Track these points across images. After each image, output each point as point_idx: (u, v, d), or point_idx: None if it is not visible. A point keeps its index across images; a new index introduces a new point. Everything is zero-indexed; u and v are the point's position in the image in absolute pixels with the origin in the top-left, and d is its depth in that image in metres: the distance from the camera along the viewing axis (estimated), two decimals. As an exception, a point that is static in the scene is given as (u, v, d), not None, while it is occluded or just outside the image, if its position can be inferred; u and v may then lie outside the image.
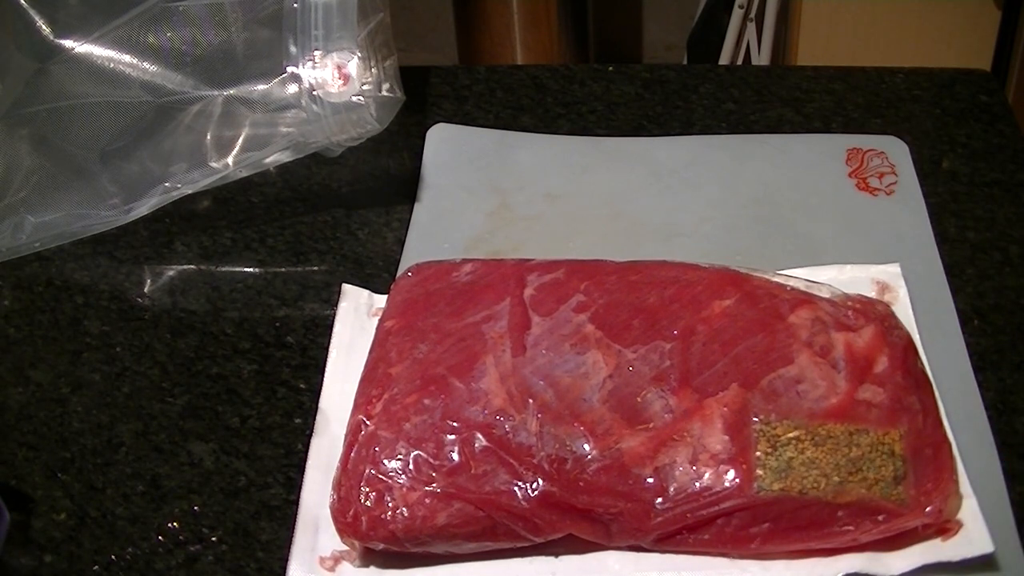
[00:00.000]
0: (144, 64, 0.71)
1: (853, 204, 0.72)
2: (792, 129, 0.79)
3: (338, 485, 0.53)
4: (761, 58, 1.66)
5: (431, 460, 0.52)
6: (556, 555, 0.53)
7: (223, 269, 0.71)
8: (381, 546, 0.52)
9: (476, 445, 0.52)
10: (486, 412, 0.53)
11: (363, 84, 0.68)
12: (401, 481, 0.52)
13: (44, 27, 0.72)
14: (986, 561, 0.50)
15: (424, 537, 0.51)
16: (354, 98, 0.68)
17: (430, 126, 0.80)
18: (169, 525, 0.57)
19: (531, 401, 0.53)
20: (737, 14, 1.65)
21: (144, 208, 0.71)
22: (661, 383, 0.53)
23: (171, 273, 0.71)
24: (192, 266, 0.72)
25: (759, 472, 0.50)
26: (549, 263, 0.61)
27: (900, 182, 0.73)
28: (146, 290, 0.70)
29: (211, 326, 0.67)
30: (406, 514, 0.51)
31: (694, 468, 0.51)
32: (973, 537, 0.50)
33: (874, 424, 0.52)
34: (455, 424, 0.53)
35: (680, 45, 1.92)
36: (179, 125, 0.71)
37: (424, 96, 0.84)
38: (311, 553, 0.53)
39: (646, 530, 0.51)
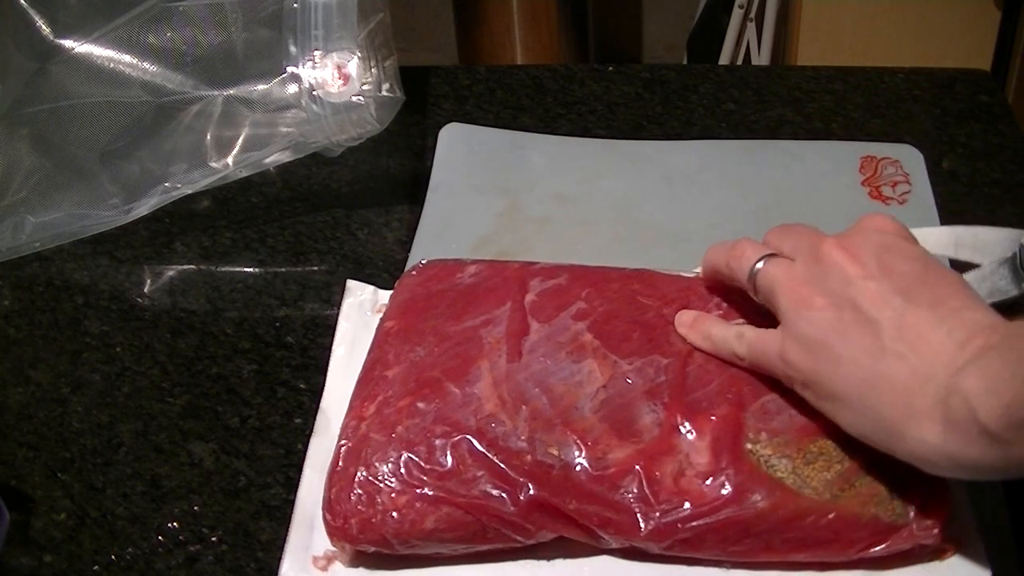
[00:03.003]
0: (144, 64, 0.71)
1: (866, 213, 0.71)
2: (792, 129, 0.79)
3: (329, 487, 0.53)
4: (761, 58, 1.66)
5: (421, 464, 0.52)
6: (548, 559, 0.52)
7: (223, 269, 0.71)
8: (372, 549, 0.52)
9: (466, 449, 0.52)
10: (478, 417, 0.53)
11: (363, 84, 0.68)
12: (391, 484, 0.51)
13: (44, 27, 0.72)
14: None
15: (413, 540, 0.51)
16: (354, 98, 0.68)
17: (430, 126, 0.80)
18: (169, 525, 0.57)
19: (523, 407, 0.53)
20: (737, 14, 1.65)
21: (144, 208, 0.71)
22: (654, 397, 0.53)
23: (171, 273, 0.71)
24: (192, 266, 0.72)
25: (750, 487, 0.50)
26: (553, 268, 0.61)
27: (913, 191, 0.72)
28: (146, 290, 0.70)
29: (211, 326, 0.67)
30: (396, 517, 0.51)
31: (683, 482, 0.51)
32: (971, 560, 0.50)
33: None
34: (446, 428, 0.53)
35: (680, 45, 1.92)
36: (179, 125, 0.71)
37: (424, 96, 0.84)
38: (305, 552, 0.53)
39: (636, 540, 0.51)
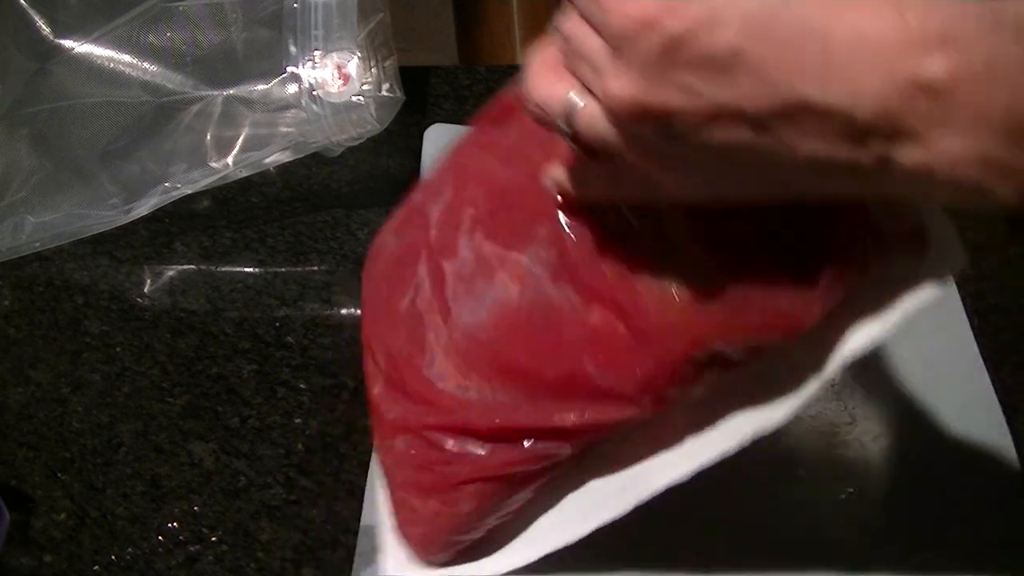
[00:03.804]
0: (144, 64, 0.71)
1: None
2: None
3: (392, 520, 0.55)
4: (761, 58, 1.66)
5: (430, 455, 0.52)
6: (602, 476, 0.53)
7: (223, 269, 0.71)
8: (446, 555, 0.53)
9: (459, 430, 0.52)
10: (449, 399, 0.52)
11: (363, 84, 0.68)
12: (415, 492, 0.52)
13: (44, 27, 0.72)
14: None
15: (468, 524, 0.52)
16: (354, 98, 0.68)
17: (429, 126, 0.80)
18: (169, 525, 0.57)
19: (475, 374, 0.52)
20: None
21: (144, 208, 0.71)
22: (559, 281, 0.51)
23: (171, 273, 0.71)
24: (192, 266, 0.72)
25: (686, 319, 0.48)
26: (435, 179, 0.57)
27: None
28: (146, 290, 0.70)
29: (211, 326, 0.67)
30: (436, 515, 0.52)
31: (632, 346, 0.49)
32: (945, 250, 0.48)
33: None
34: (432, 421, 0.52)
35: (680, 45, 1.92)
36: (179, 125, 0.71)
37: (424, 96, 0.84)
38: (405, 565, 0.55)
39: (639, 415, 0.50)
